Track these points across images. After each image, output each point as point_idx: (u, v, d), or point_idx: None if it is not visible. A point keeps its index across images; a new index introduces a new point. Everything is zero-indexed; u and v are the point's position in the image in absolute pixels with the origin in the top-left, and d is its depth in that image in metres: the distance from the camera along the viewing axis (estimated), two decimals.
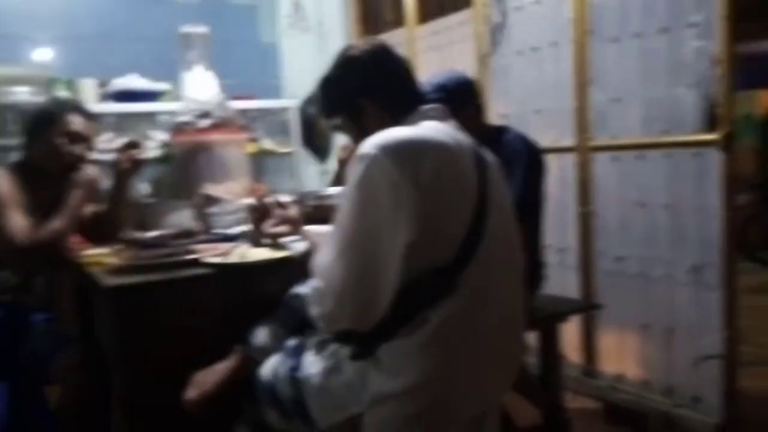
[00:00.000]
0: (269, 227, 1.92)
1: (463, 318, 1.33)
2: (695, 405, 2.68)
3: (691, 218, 2.65)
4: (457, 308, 1.32)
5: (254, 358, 1.66)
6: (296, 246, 1.89)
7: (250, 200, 2.11)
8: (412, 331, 1.31)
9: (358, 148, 1.39)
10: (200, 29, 2.78)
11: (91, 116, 2.49)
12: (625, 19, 2.84)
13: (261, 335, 1.68)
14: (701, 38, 2.53)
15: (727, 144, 2.49)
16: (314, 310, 1.41)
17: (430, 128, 1.44)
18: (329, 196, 2.18)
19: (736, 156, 2.53)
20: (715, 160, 2.53)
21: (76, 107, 2.50)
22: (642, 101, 2.82)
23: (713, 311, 2.58)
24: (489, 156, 1.53)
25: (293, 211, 1.93)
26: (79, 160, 2.36)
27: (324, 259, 1.39)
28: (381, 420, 1.32)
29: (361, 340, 1.38)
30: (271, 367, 1.61)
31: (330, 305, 1.35)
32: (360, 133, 1.51)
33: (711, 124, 2.56)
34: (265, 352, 1.65)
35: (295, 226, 1.87)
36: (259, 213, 2.00)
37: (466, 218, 1.35)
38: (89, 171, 2.35)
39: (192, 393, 1.65)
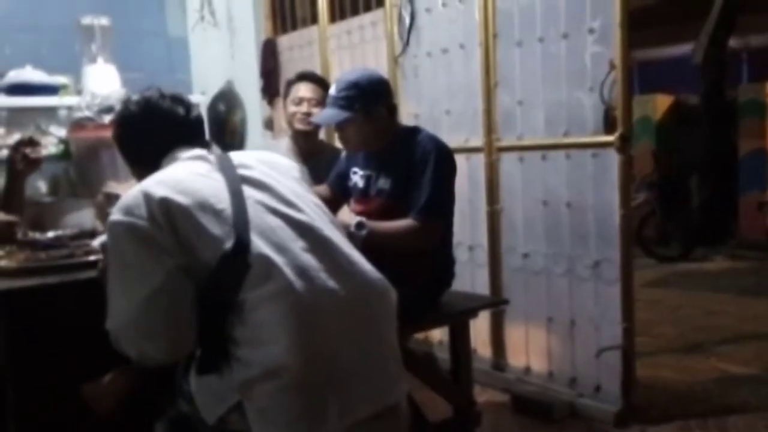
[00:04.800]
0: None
1: (285, 293, 1.36)
2: (597, 394, 2.81)
3: (591, 216, 2.78)
4: (273, 287, 1.36)
5: None
6: None
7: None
8: (243, 327, 1.36)
9: None
10: (102, 20, 2.68)
11: None
12: (529, 23, 2.94)
13: None
14: (599, 44, 2.66)
15: (623, 145, 2.62)
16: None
17: (174, 169, 1.51)
18: None
19: (633, 157, 2.66)
20: (612, 160, 2.66)
21: None
22: (545, 103, 2.92)
23: (612, 304, 2.71)
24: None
25: None
26: None
27: (115, 322, 1.40)
28: (260, 399, 1.36)
29: (200, 356, 1.43)
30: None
31: (144, 361, 1.42)
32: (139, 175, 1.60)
33: (608, 126, 2.69)
34: None
35: None
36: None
37: (226, 230, 1.39)
38: None
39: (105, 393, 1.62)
